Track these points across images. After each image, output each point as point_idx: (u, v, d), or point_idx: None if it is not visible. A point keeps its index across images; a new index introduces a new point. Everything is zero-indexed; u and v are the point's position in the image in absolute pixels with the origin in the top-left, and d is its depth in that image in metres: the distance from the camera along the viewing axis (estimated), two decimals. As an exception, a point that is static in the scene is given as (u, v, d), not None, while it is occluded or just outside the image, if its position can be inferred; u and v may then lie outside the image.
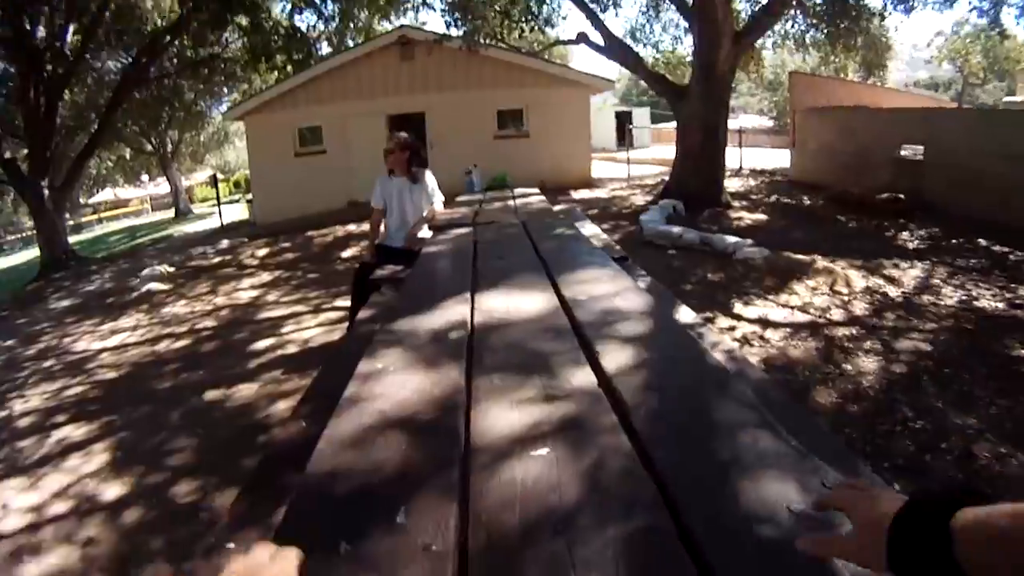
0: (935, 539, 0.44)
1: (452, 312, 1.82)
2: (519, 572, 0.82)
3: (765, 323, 4.16)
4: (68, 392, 4.25)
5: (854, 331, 3.90)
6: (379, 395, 1.30)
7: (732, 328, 4.10)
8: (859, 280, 4.92)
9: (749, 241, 6.03)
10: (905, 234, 6.76)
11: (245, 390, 3.78)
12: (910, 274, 5.11)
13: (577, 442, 1.09)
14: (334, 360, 2.08)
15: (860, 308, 4.36)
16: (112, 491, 2.79)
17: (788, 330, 4.01)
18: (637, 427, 1.13)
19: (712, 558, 0.82)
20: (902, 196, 7.81)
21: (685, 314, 2.31)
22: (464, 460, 1.07)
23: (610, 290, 1.96)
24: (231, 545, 1.10)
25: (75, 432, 3.51)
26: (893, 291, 4.68)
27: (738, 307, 4.48)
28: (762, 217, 8.00)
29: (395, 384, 1.34)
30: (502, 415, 1.20)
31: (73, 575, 2.24)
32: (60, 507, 2.69)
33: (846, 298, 4.56)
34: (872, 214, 7.67)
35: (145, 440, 3.28)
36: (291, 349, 4.54)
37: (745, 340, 3.86)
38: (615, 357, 1.42)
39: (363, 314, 2.39)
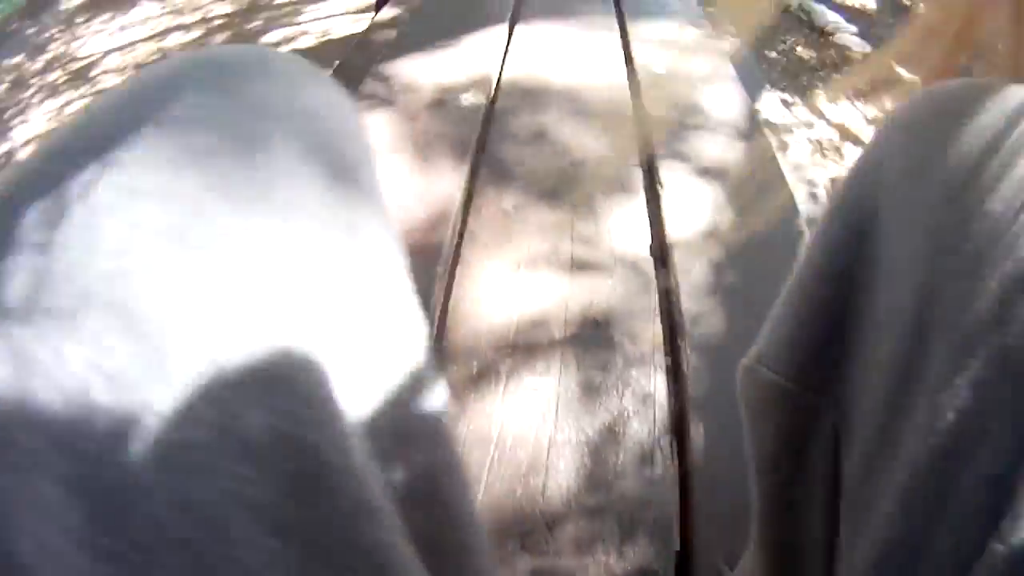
0: None
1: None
2: None
3: (846, 134, 3.69)
4: (71, 108, 3.99)
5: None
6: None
7: (811, 125, 3.75)
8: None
9: (853, 28, 4.92)
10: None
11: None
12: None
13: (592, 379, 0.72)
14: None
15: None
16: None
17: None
18: (687, 371, 0.75)
19: None
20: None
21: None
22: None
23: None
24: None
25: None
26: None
27: (823, 101, 3.97)
28: (871, 5, 6.59)
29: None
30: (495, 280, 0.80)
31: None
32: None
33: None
34: None
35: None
36: (309, 42, 4.25)
37: (820, 147, 3.60)
38: (678, 210, 0.96)
39: (386, 12, 1.67)
